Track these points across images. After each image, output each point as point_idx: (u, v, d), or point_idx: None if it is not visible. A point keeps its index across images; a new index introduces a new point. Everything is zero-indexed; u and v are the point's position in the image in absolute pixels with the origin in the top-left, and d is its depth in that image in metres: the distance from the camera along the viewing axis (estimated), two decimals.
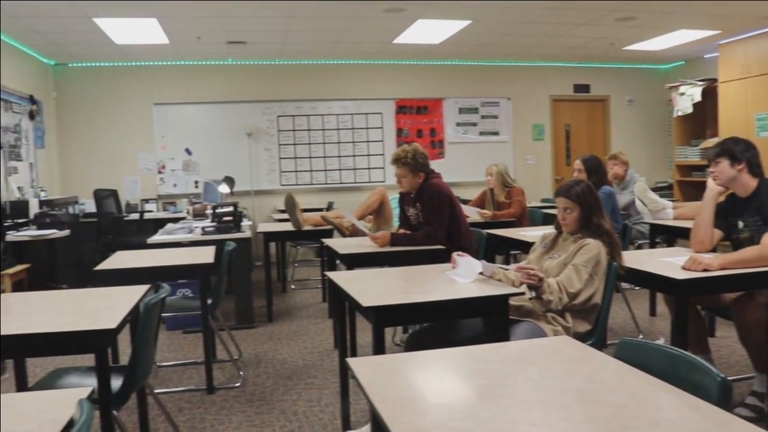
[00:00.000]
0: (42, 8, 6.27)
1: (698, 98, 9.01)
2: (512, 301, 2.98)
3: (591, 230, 3.18)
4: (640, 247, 6.13)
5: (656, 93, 10.72)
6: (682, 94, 9.28)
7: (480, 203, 6.66)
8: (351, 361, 1.87)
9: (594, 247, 3.08)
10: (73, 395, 1.64)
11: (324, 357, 4.79)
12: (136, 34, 7.51)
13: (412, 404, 1.62)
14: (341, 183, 9.77)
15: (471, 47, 9.00)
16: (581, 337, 2.98)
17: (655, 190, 7.99)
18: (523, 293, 2.97)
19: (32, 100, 7.95)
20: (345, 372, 3.47)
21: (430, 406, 1.60)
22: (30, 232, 6.35)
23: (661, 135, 10.88)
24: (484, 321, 3.25)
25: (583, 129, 10.78)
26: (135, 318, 2.75)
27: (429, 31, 7.95)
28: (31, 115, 7.91)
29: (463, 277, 3.14)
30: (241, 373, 4.45)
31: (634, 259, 3.50)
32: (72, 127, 9.08)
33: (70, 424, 1.50)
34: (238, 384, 4.26)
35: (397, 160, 4.51)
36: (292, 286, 7.63)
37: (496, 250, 5.61)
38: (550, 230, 3.52)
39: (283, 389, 4.13)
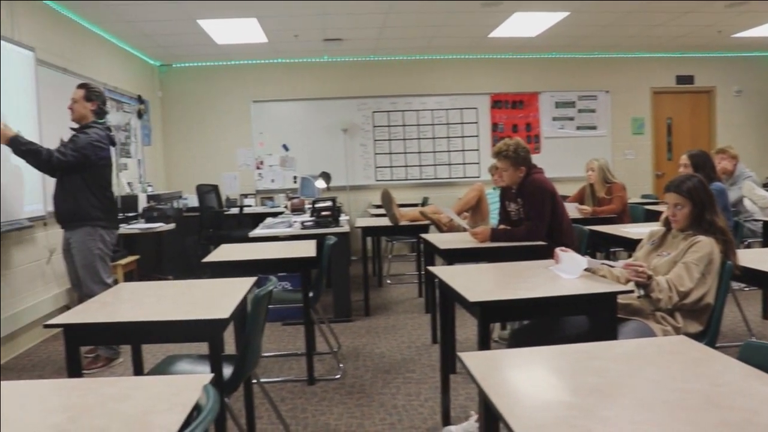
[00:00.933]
0: (150, 12, 6.55)
1: None
2: (620, 299, 2.90)
3: (703, 228, 3.05)
4: (749, 246, 5.84)
5: None
6: None
7: (579, 199, 6.50)
8: (463, 355, 1.86)
9: (706, 244, 2.95)
10: (196, 381, 1.70)
11: (422, 352, 4.79)
12: (237, 34, 7.74)
13: (528, 400, 1.59)
14: (436, 178, 9.76)
15: (568, 39, 8.81)
16: (692, 338, 2.86)
17: (765, 186, 7.61)
18: (631, 291, 2.88)
19: (140, 99, 8.32)
20: (446, 367, 3.47)
21: (548, 402, 1.57)
22: (139, 226, 6.64)
23: None
24: (588, 319, 3.17)
25: (686, 122, 10.35)
26: (240, 309, 2.83)
27: (525, 24, 7.83)
28: (139, 114, 8.27)
29: (567, 273, 3.08)
30: (341, 365, 4.51)
31: (749, 258, 3.33)
32: (175, 125, 9.46)
33: (196, 406, 1.56)
34: (338, 376, 4.32)
35: (498, 153, 4.47)
36: (388, 281, 7.68)
37: (597, 247, 5.47)
38: (656, 227, 3.39)
39: (382, 382, 4.16)
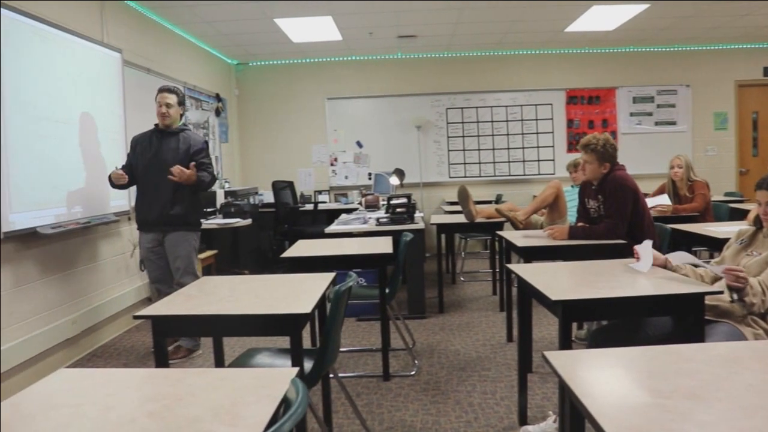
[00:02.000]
0: (229, 12, 6.70)
1: None
2: (707, 300, 2.81)
3: None
4: None
5: None
6: None
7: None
8: (549, 354, 1.83)
9: None
10: (281, 374, 1.73)
11: (497, 350, 4.76)
12: (312, 32, 7.84)
13: (617, 400, 1.55)
14: (510, 175, 9.64)
15: (647, 32, 8.57)
16: None
17: None
18: (720, 292, 2.78)
19: (218, 98, 8.52)
20: (524, 366, 3.43)
21: (638, 404, 1.52)
22: (217, 221, 6.80)
23: None
24: (673, 320, 3.08)
25: None
26: (320, 304, 2.87)
27: (603, 18, 7.65)
28: (217, 112, 8.47)
29: (644, 266, 3.02)
30: (416, 361, 4.52)
31: None
32: (251, 123, 9.65)
33: (284, 399, 1.59)
34: (413, 372, 4.33)
35: (586, 146, 4.38)
36: (462, 278, 7.64)
37: (679, 246, 5.29)
38: (744, 226, 3.27)
39: (458, 380, 4.14)
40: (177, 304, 2.74)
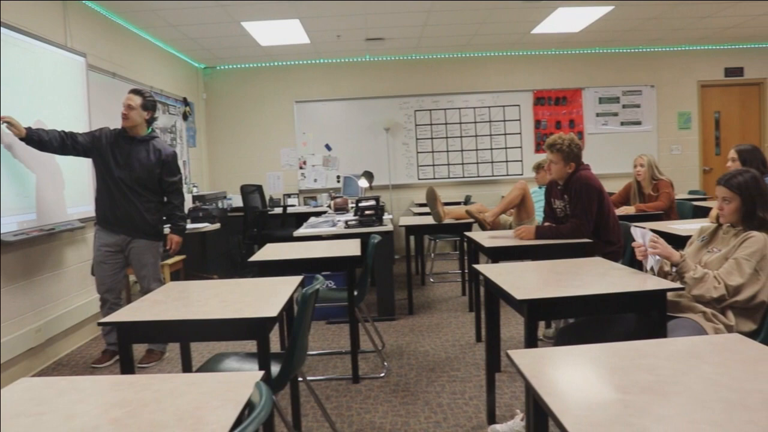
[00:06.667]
0: (196, 16, 6.66)
1: None
2: (669, 297, 2.86)
3: (755, 224, 2.98)
4: None
5: None
6: None
7: (625, 196, 6.40)
8: (512, 353, 1.85)
9: (759, 239, 2.88)
10: (246, 378, 1.73)
11: (466, 350, 4.79)
12: (280, 36, 7.82)
13: (580, 397, 1.58)
14: (479, 176, 9.70)
15: (612, 34, 8.69)
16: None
17: None
18: (681, 288, 2.84)
19: (185, 102, 8.46)
20: (491, 365, 3.46)
21: (600, 401, 1.55)
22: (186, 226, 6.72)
23: None
24: (637, 317, 3.13)
25: (735, 116, 10.11)
26: (287, 308, 2.86)
27: (569, 19, 7.75)
28: (185, 116, 8.41)
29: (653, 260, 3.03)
30: (385, 363, 4.53)
31: None
32: (220, 126, 9.58)
33: (248, 403, 1.59)
34: (382, 374, 4.34)
35: (551, 146, 4.43)
36: (431, 279, 7.67)
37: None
38: (705, 223, 3.34)
39: (427, 381, 4.16)
40: (143, 309, 2.72)
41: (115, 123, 4.79)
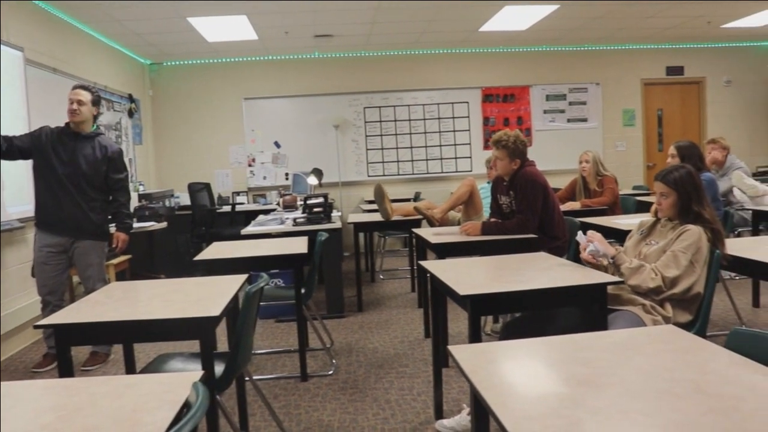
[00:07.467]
0: (140, 10, 6.54)
1: None
2: (610, 290, 2.92)
3: (690, 218, 3.07)
4: (740, 234, 5.87)
5: (757, 73, 10.27)
6: None
7: (570, 191, 6.51)
8: (452, 349, 1.87)
9: (694, 233, 2.96)
10: (186, 378, 1.71)
11: (414, 346, 4.81)
12: (227, 32, 7.73)
13: (517, 392, 1.61)
14: (428, 173, 9.76)
15: (558, 32, 8.83)
16: (682, 328, 2.88)
17: (756, 175, 7.65)
18: (621, 282, 2.91)
19: (131, 98, 8.30)
20: (438, 361, 3.49)
21: (537, 394, 1.58)
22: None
23: (763, 117, 10.38)
24: (580, 311, 3.19)
25: (677, 113, 10.38)
26: (233, 306, 2.84)
27: (516, 18, 7.84)
28: (130, 113, 8.25)
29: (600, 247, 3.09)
30: (334, 361, 4.52)
31: (739, 246, 3.36)
32: (167, 124, 9.43)
33: (186, 404, 1.57)
34: (330, 372, 4.33)
35: (497, 142, 4.49)
36: (381, 276, 7.69)
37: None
38: (647, 217, 3.42)
39: (375, 377, 4.17)
40: (83, 311, 2.66)
41: (56, 120, 4.66)
